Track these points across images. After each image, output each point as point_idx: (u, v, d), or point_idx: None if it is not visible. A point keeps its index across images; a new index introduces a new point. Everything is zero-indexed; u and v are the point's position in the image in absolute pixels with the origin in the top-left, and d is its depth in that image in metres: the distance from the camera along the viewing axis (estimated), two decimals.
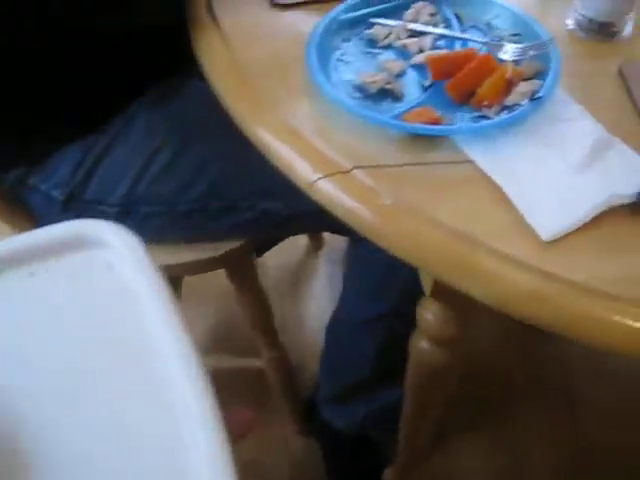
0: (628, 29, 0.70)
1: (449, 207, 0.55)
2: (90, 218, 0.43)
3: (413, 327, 0.78)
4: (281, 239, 1.15)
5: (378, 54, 0.67)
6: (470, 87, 0.61)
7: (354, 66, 0.66)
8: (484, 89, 0.61)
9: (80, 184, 0.82)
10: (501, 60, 0.65)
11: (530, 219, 0.54)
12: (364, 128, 0.59)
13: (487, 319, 1.32)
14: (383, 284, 0.94)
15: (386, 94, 0.63)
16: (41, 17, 0.72)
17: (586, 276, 0.51)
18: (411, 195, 0.56)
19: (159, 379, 0.37)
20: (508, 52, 0.65)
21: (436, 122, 0.59)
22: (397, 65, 0.65)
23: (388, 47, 0.68)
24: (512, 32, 0.69)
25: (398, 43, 0.67)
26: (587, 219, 0.54)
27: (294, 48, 0.68)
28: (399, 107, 0.61)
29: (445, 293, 0.69)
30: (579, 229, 0.54)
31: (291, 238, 1.14)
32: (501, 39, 0.69)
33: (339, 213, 0.58)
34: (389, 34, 0.68)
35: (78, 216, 0.44)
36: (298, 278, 1.53)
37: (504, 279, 0.52)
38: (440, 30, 0.68)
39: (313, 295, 1.50)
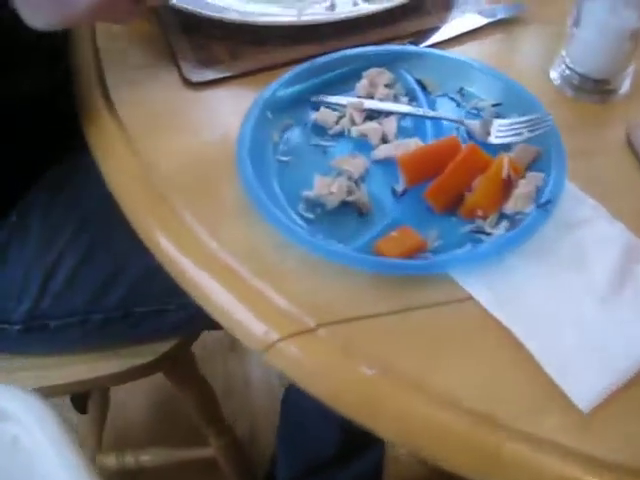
0: (626, 86, 0.58)
1: (452, 373, 0.41)
2: None
3: None
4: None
5: (330, 147, 0.52)
6: (456, 192, 0.47)
7: (302, 169, 0.51)
8: (476, 195, 0.47)
9: None
10: (486, 145, 0.51)
11: (564, 384, 0.40)
12: (326, 265, 0.45)
13: None
14: None
15: (349, 209, 0.48)
16: None
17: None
18: (399, 358, 0.42)
19: None
20: (496, 133, 0.51)
21: (419, 248, 0.45)
22: (358, 164, 0.50)
23: (341, 136, 0.53)
24: (493, 101, 0.55)
25: (354, 131, 0.52)
26: (627, 377, 0.41)
27: (220, 146, 0.52)
28: (368, 229, 0.46)
29: None
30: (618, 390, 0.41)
31: None
32: (479, 111, 0.55)
33: (306, 387, 0.43)
34: (341, 117, 0.54)
35: None
36: None
37: (539, 470, 0.39)
38: (405, 107, 0.54)
39: None
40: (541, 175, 0.48)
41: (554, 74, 0.59)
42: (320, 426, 0.91)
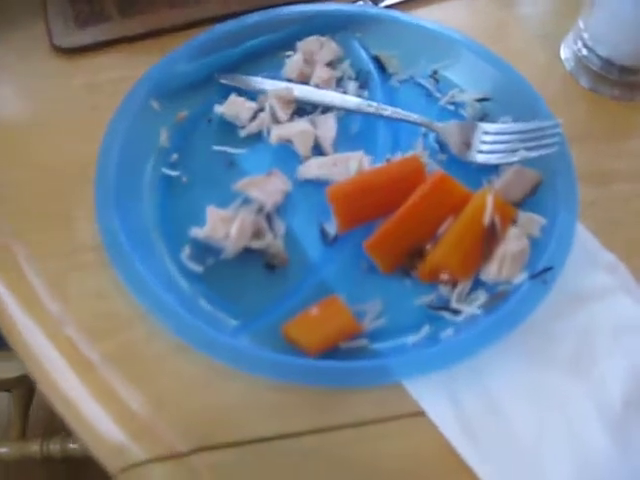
0: None
1: None
2: None
3: None
4: None
5: (239, 156, 0.36)
6: (412, 243, 0.32)
7: (195, 191, 0.35)
8: (441, 250, 0.31)
9: None
10: (464, 165, 0.35)
11: None
12: (208, 359, 0.30)
13: None
14: None
15: (254, 259, 0.32)
16: None
17: None
18: None
19: None
20: (480, 145, 0.36)
21: (350, 334, 0.30)
22: (274, 189, 0.34)
23: (257, 140, 0.37)
24: (478, 94, 0.39)
25: (276, 135, 0.36)
26: None
27: (81, 156, 0.36)
28: (278, 296, 0.31)
29: None
30: None
31: None
32: (458, 107, 0.39)
33: None
34: (258, 110, 0.37)
35: None
36: None
37: None
38: (352, 99, 0.37)
39: None
40: (540, 220, 0.33)
41: (566, 53, 0.43)
42: None
